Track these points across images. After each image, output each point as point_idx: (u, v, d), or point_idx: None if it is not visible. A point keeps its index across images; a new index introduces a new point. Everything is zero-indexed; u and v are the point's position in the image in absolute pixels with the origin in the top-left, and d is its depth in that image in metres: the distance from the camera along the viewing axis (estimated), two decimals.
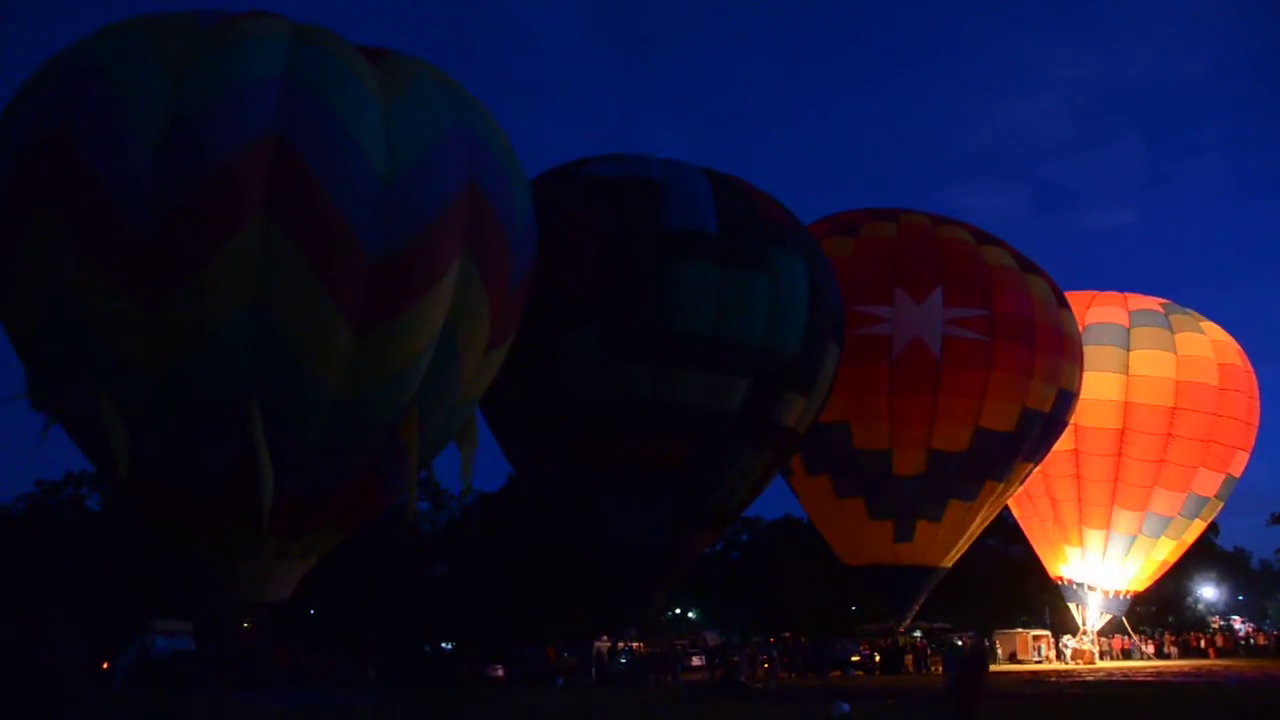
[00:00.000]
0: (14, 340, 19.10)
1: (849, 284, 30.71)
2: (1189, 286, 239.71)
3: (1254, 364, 43.81)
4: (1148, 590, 47.20)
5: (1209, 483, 41.93)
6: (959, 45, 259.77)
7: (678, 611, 68.78)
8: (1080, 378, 36.42)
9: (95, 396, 17.65)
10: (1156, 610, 76.34)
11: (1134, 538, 41.84)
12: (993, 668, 44.39)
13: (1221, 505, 43.62)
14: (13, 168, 17.66)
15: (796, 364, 27.14)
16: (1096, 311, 42.14)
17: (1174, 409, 40.76)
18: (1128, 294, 44.47)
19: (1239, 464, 43.10)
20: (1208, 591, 77.28)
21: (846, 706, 19.63)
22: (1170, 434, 40.76)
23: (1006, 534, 46.78)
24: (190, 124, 16.90)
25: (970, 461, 33.56)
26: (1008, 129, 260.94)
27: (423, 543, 62.75)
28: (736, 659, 34.01)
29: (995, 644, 51.70)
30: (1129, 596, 44.78)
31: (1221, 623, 65.69)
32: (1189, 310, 44.28)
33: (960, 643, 38.86)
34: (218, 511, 19.05)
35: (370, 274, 17.61)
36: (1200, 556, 75.22)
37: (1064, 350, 35.23)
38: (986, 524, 37.12)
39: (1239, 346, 43.91)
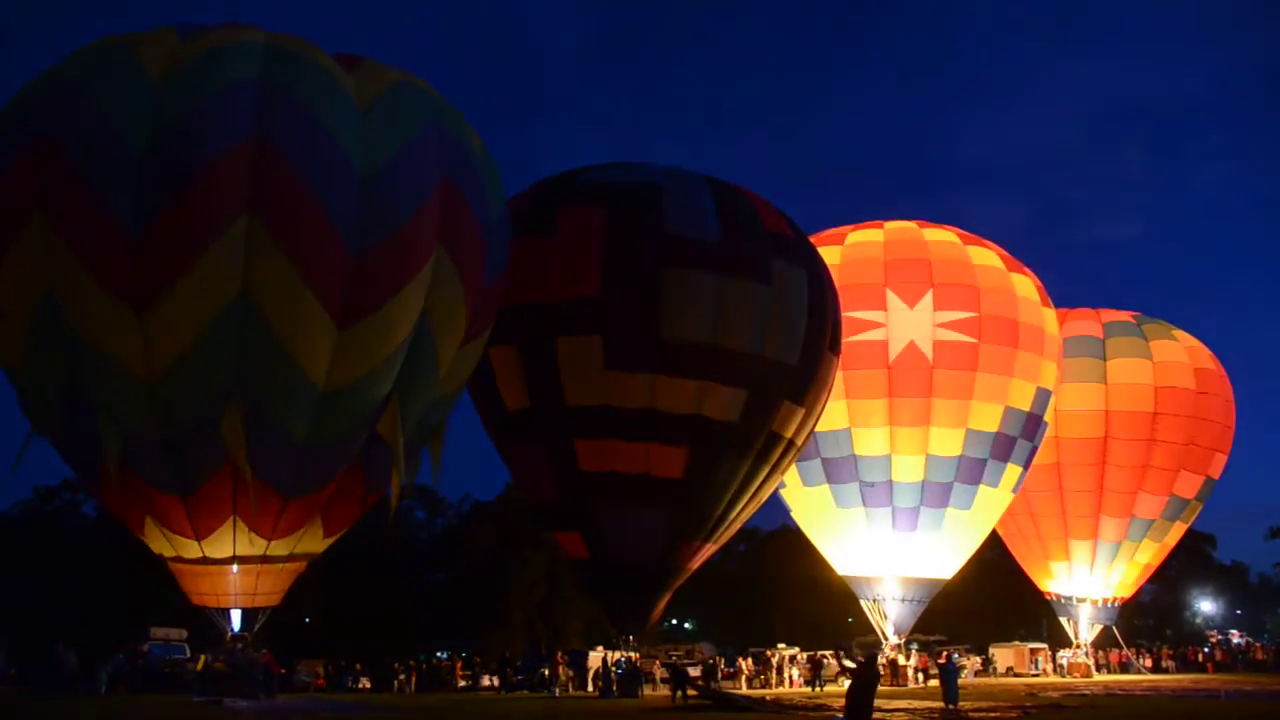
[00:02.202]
0: (1, 352, 19.26)
1: (841, 291, 30.81)
2: (1190, 298, 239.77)
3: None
4: (1135, 597, 47.34)
5: (1189, 485, 42.42)
6: (963, 56, 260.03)
7: (674, 622, 68.66)
8: (1058, 377, 36.85)
9: (87, 399, 17.91)
10: (1154, 623, 76.32)
11: (1119, 544, 42.08)
12: (990, 680, 44.39)
13: (1200, 507, 44.04)
14: (2, 179, 17.98)
15: (795, 374, 27.09)
16: (1070, 326, 42.40)
17: (1154, 414, 41.19)
18: (1099, 309, 44.83)
19: (1218, 466, 43.57)
20: (1205, 605, 77.28)
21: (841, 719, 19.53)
22: (1152, 439, 41.16)
23: (1002, 547, 46.73)
24: (174, 130, 17.38)
25: (963, 466, 33.76)
26: (1011, 140, 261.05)
27: (419, 551, 62.68)
28: (682, 664, 33.94)
29: (992, 658, 51.67)
30: (1117, 604, 44.88)
31: (1219, 636, 65.57)
32: (1160, 320, 44.74)
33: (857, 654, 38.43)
34: (208, 515, 19.18)
35: (351, 268, 18.13)
36: (1198, 570, 75.40)
37: (1044, 349, 35.80)
38: (984, 536, 37.09)
39: (1211, 352, 44.29)
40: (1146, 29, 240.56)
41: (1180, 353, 42.71)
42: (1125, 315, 44.53)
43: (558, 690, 36.33)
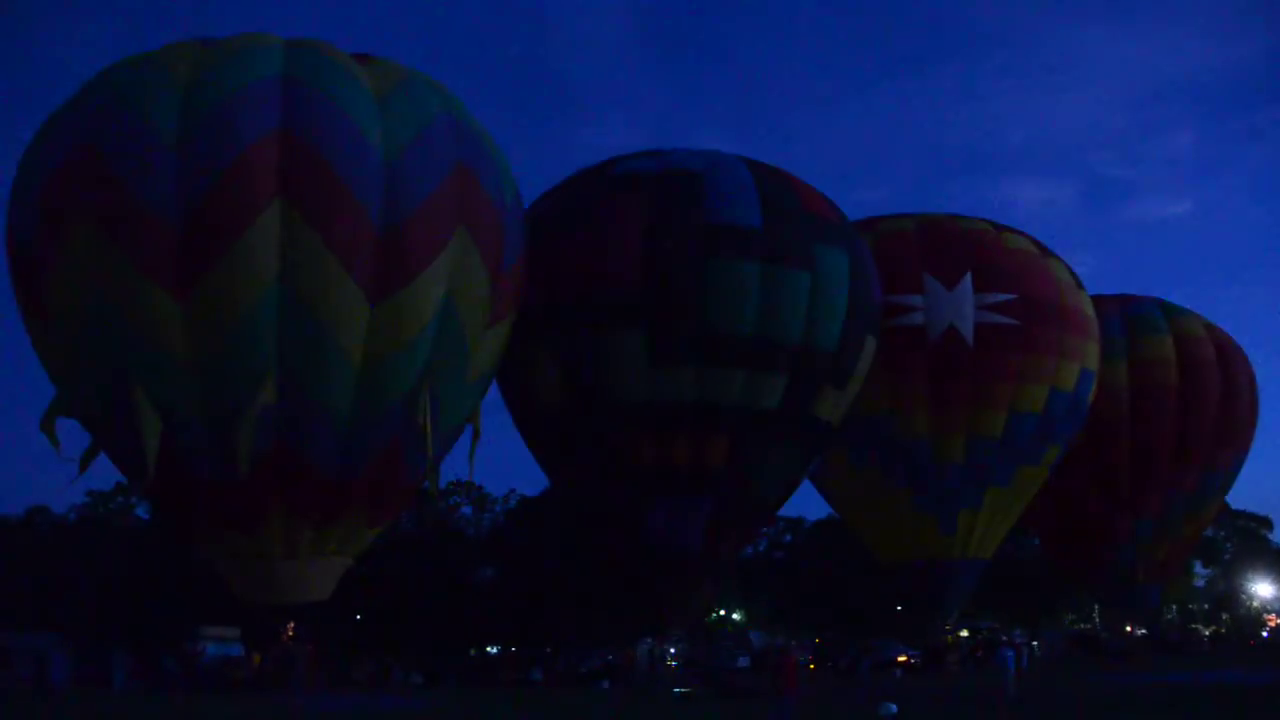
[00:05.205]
0: (44, 353, 20.14)
1: (879, 274, 30.57)
2: (1237, 278, 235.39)
3: None
4: (1189, 581, 46.81)
5: (1221, 458, 41.89)
6: (1007, 35, 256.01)
7: (723, 613, 68.62)
8: (1098, 357, 36.61)
9: (130, 391, 18.47)
10: (1210, 608, 75.31)
11: (1157, 520, 41.60)
12: (1043, 668, 43.91)
13: (1233, 481, 43.58)
14: (46, 189, 18.96)
15: (833, 359, 26.93)
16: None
17: (1180, 388, 40.75)
18: (1118, 295, 44.50)
19: (1246, 439, 43.06)
20: (1262, 588, 76.12)
21: (894, 707, 19.44)
22: (1180, 412, 40.67)
23: (1050, 531, 46.27)
24: (204, 125, 18.30)
25: (1005, 446, 33.49)
26: (1057, 120, 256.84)
27: (466, 547, 63.07)
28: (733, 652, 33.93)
29: (1037, 645, 51.22)
30: (1161, 586, 44.38)
31: (1278, 620, 64.53)
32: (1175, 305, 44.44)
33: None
34: (254, 505, 19.59)
35: (379, 246, 18.92)
36: (1253, 553, 74.29)
37: (1087, 331, 35.61)
38: (1019, 514, 36.82)
39: (1223, 330, 43.91)
40: (1194, 4, 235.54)
41: (1199, 328, 42.49)
42: (1144, 299, 44.34)
43: (608, 682, 36.47)
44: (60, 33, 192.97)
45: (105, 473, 78.11)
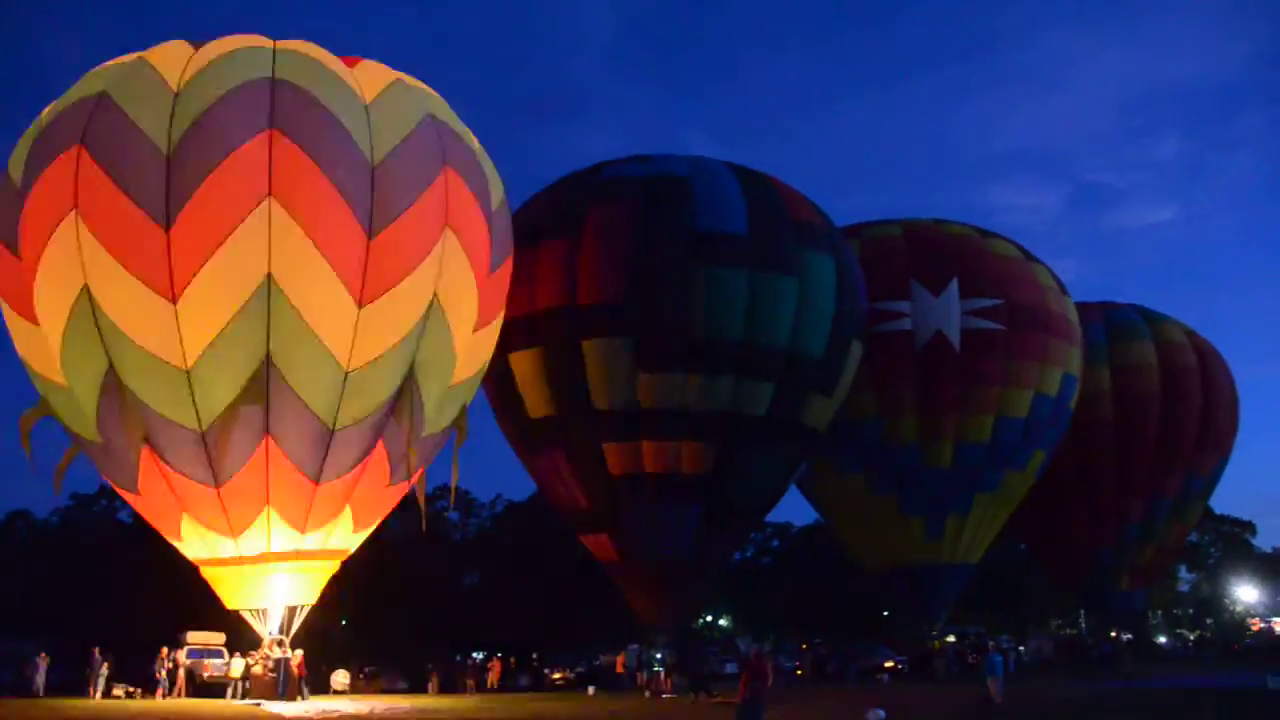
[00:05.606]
0: (28, 355, 20.20)
1: (865, 281, 30.62)
2: (1225, 284, 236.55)
3: None
4: (1173, 586, 46.97)
5: (1203, 463, 42.21)
6: (993, 41, 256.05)
7: (709, 619, 68.56)
8: (1081, 362, 36.83)
9: (118, 392, 18.64)
10: (1194, 613, 75.53)
11: (1142, 524, 41.81)
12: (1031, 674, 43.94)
13: (1215, 485, 43.99)
14: (35, 189, 19.03)
15: (820, 365, 27.02)
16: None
17: (1162, 393, 41.04)
18: (1100, 302, 44.80)
19: (1228, 442, 43.41)
20: (1246, 593, 76.38)
21: (882, 713, 19.40)
22: (1163, 418, 40.95)
23: (1036, 537, 46.41)
24: (194, 127, 18.46)
25: (993, 451, 33.60)
26: (1045, 126, 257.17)
27: (453, 552, 62.88)
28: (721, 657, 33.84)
29: (1023, 650, 51.25)
30: (1146, 591, 44.50)
31: (1262, 624, 64.77)
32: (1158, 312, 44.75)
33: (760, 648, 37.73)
34: (239, 507, 19.57)
35: (366, 249, 19.13)
36: (1237, 558, 74.59)
37: (1071, 336, 35.98)
38: (1006, 517, 36.93)
39: (1202, 337, 44.25)
40: (1181, 11, 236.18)
41: (1180, 334, 42.84)
42: (1122, 306, 44.62)
43: (592, 689, 36.35)
44: (58, 32, 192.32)
45: (88, 476, 77.79)
